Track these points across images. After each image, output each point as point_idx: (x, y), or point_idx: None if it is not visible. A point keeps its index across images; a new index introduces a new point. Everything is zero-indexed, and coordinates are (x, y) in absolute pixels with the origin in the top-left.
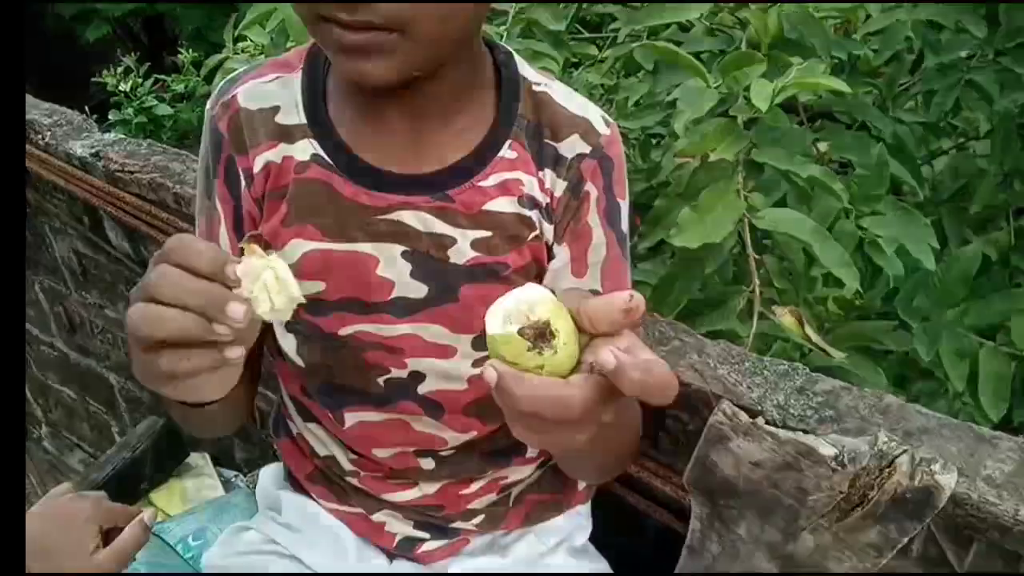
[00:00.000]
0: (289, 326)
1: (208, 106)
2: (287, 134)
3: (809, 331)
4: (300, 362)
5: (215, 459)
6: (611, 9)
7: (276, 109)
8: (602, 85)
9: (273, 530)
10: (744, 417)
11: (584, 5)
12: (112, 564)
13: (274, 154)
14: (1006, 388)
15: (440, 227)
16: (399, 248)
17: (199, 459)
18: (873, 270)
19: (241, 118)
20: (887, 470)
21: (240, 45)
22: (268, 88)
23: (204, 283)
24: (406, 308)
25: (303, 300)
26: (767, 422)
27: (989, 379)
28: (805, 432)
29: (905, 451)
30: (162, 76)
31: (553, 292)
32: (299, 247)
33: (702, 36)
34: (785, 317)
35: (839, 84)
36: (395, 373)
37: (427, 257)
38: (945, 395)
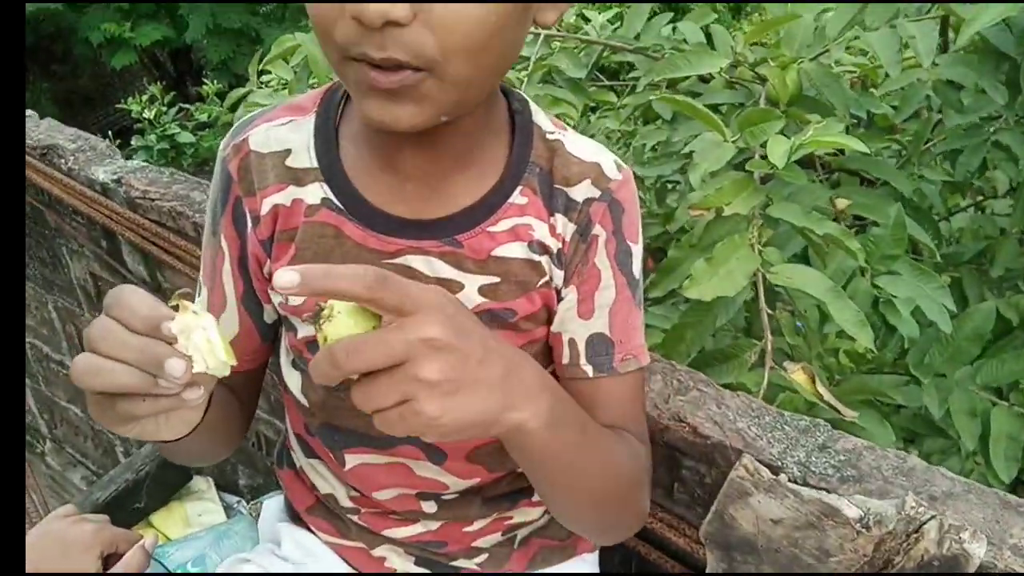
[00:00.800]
0: (295, 363)
1: (221, 146)
2: (297, 177)
3: (821, 389)
4: (304, 400)
5: (218, 484)
6: (630, 58)
7: (287, 152)
8: (619, 131)
9: (272, 563)
10: (766, 473)
11: (604, 53)
12: None
13: (283, 196)
14: (1018, 449)
15: (448, 272)
16: None
17: (202, 483)
18: (887, 328)
19: (251, 161)
20: (914, 535)
21: (264, 79)
22: (280, 132)
23: (142, 339)
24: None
25: (234, 363)
26: (788, 479)
27: (1000, 439)
28: (827, 491)
29: (934, 517)
30: (186, 105)
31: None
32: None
33: (721, 89)
34: (797, 374)
35: (856, 143)
36: None
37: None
38: (957, 453)
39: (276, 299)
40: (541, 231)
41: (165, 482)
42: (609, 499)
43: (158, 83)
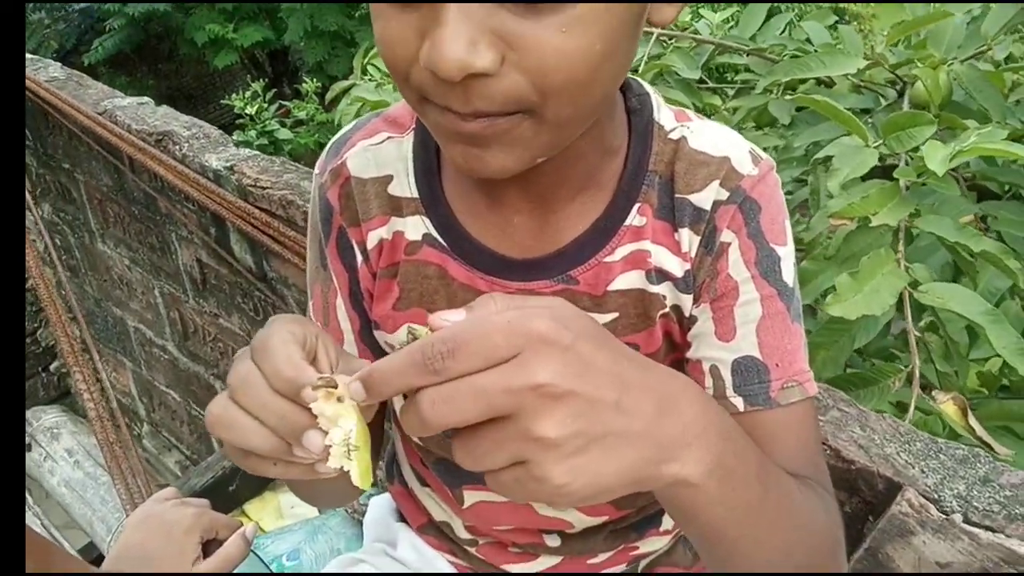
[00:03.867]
0: (406, 396)
1: (317, 171)
2: (398, 207)
3: (973, 423)
4: (417, 439)
5: None
6: (739, 60)
7: (388, 179)
8: None
9: (386, 565)
10: (935, 511)
11: (715, 54)
12: None
13: (385, 230)
14: None
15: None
16: None
17: None
18: None
19: (352, 188)
20: None
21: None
22: (379, 152)
23: (283, 404)
24: None
25: (367, 488)
26: (962, 519)
27: None
28: (992, 530)
29: None
30: (285, 102)
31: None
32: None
33: (847, 92)
34: (947, 404)
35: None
36: None
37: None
38: None
39: (381, 338)
40: (660, 256)
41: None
42: (802, 567)
43: (260, 81)
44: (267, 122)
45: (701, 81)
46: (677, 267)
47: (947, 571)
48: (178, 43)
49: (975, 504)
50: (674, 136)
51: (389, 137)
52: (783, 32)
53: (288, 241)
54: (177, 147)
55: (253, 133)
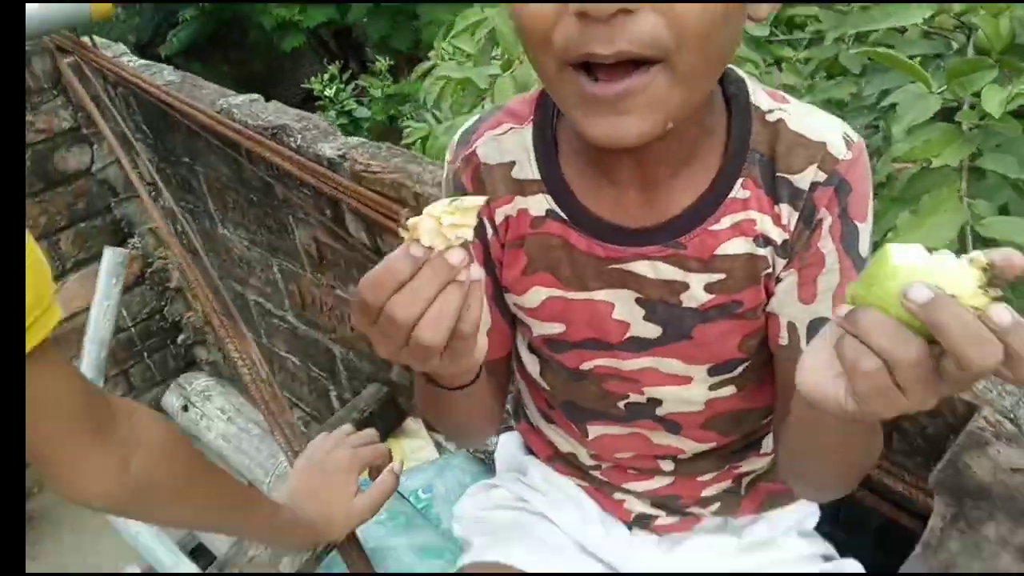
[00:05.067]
0: (531, 349)
1: (449, 158)
2: (522, 188)
3: None
4: (543, 384)
5: (426, 424)
6: (812, 11)
7: (512, 164)
8: (801, 85)
9: (520, 489)
10: (1009, 425)
11: (784, 6)
12: (368, 510)
13: (511, 208)
14: None
15: (672, 273)
16: (633, 295)
17: (414, 423)
18: None
19: (482, 172)
20: None
21: (442, 51)
22: (503, 141)
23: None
24: (641, 346)
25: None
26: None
27: None
28: None
29: None
30: (361, 82)
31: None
32: (539, 294)
33: (918, 39)
34: None
35: None
36: (634, 398)
37: (659, 302)
38: None
39: (510, 300)
40: (764, 224)
41: (386, 421)
42: (852, 478)
43: (334, 63)
44: (346, 102)
45: (771, 34)
46: (777, 236)
47: (1020, 474)
48: (247, 29)
49: None
50: (771, 118)
51: (512, 128)
52: None
53: (400, 218)
54: (291, 139)
55: (332, 114)
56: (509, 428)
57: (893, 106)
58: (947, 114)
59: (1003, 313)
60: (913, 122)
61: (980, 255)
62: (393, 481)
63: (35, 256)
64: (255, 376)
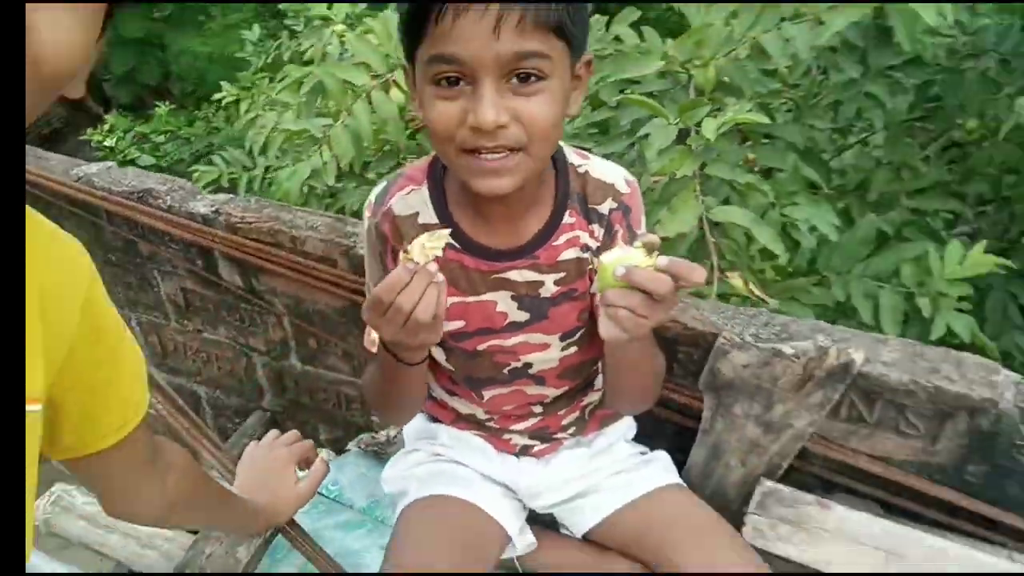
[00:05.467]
0: (440, 345)
1: (368, 213)
2: (426, 230)
3: (752, 288)
4: (448, 366)
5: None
6: None
7: (417, 214)
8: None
9: (433, 448)
10: (738, 339)
11: None
12: (309, 493)
13: None
14: (900, 315)
15: (532, 276)
16: (509, 293)
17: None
18: (795, 244)
19: (397, 222)
20: (823, 356)
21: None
22: (408, 199)
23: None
24: (517, 327)
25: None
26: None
27: (887, 311)
28: (767, 342)
29: (835, 343)
30: (141, 129)
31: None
32: (448, 301)
33: (655, 79)
34: (735, 280)
35: (760, 118)
36: (513, 365)
37: (526, 296)
38: (859, 327)
39: None
40: (584, 237)
41: None
42: (651, 390)
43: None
44: (127, 151)
45: None
46: (592, 244)
47: (748, 368)
48: None
49: (761, 336)
50: (580, 170)
51: (413, 189)
52: (606, 28)
53: (278, 259)
54: (160, 200)
55: (115, 163)
56: None
57: (646, 135)
58: (682, 137)
59: (662, 260)
60: (660, 147)
61: (639, 241)
62: (324, 468)
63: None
64: (168, 410)
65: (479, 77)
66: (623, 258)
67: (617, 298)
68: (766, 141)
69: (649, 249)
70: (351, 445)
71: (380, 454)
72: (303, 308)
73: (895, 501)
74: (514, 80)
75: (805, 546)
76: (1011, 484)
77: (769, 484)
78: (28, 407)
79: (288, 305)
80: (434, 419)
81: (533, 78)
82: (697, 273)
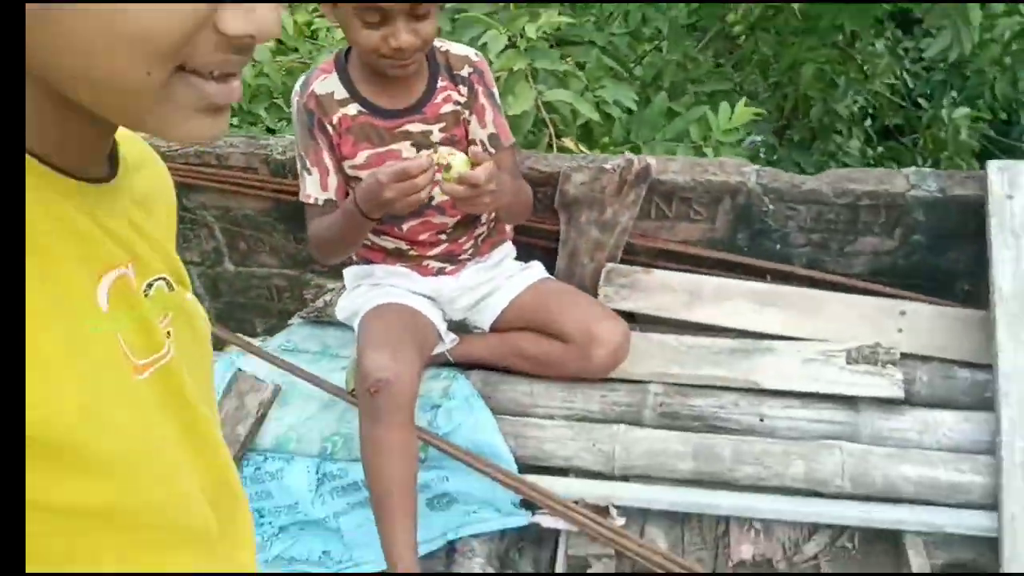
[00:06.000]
0: None
1: (297, 97)
2: (342, 103)
3: (581, 147)
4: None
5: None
6: None
7: (333, 92)
8: None
9: (371, 280)
10: (574, 164)
11: None
12: None
13: (338, 115)
14: None
15: (423, 127)
16: (408, 142)
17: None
18: (609, 119)
19: (320, 100)
20: (631, 165)
21: None
22: (325, 83)
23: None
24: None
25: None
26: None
27: None
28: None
29: (638, 157)
30: None
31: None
32: (363, 153)
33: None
34: (568, 143)
35: (567, 20)
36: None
37: (422, 142)
38: None
39: (346, 165)
40: (455, 95)
41: None
42: (526, 210)
43: None
44: None
45: None
46: (462, 99)
47: (584, 185)
48: None
49: (589, 166)
50: (442, 50)
51: (326, 76)
52: None
53: (207, 175)
54: None
55: None
56: (344, 265)
57: (484, 44)
58: (513, 43)
59: (480, 155)
60: (497, 51)
61: (471, 154)
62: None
63: None
64: None
65: (395, 15)
66: (458, 165)
67: (449, 189)
68: (576, 42)
69: (476, 160)
70: (295, 317)
71: (319, 318)
72: (232, 215)
73: (695, 268)
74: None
75: (638, 300)
76: (766, 240)
77: (611, 264)
78: (189, 295)
79: (218, 215)
80: (368, 261)
81: (423, 9)
82: (483, 172)
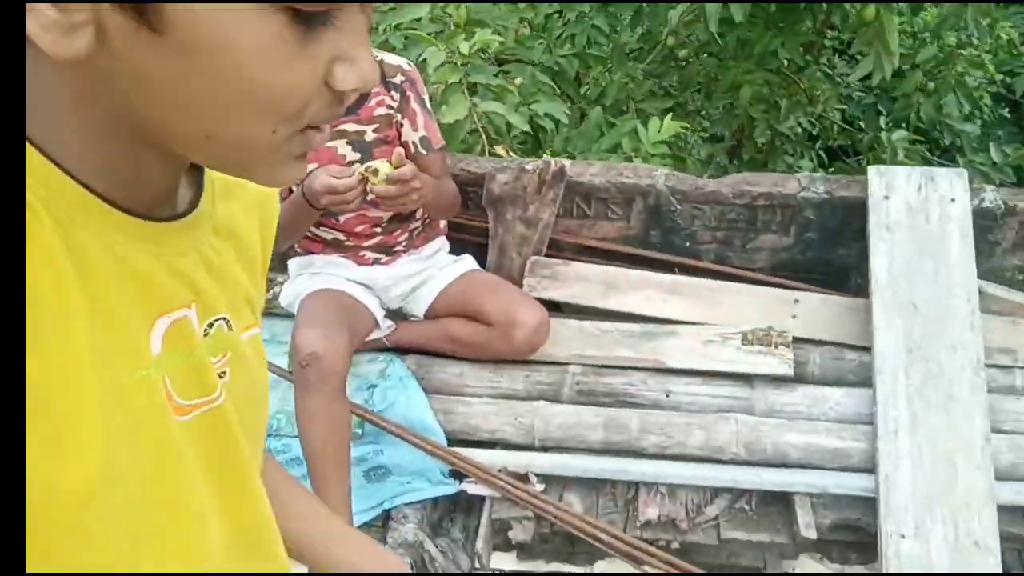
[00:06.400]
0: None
1: None
2: None
3: (512, 153)
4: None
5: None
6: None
7: None
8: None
9: (311, 270)
10: (504, 166)
11: None
12: None
13: None
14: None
15: (357, 127)
16: (344, 140)
17: None
18: (540, 128)
19: None
20: (548, 166)
21: None
22: None
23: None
24: (353, 164)
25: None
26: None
27: None
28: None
29: (555, 159)
30: None
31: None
32: None
33: (427, 24)
34: (501, 149)
35: (496, 40)
36: None
37: (356, 140)
38: None
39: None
40: (388, 100)
41: None
42: (452, 206)
43: None
44: None
45: None
46: (394, 104)
47: (507, 184)
48: None
49: (514, 167)
50: (377, 59)
51: None
52: None
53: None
54: None
55: None
56: (287, 257)
57: (425, 60)
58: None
59: (401, 169)
60: (435, 65)
61: (394, 158)
62: None
63: None
64: None
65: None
66: (385, 169)
67: (381, 191)
68: (511, 61)
69: (398, 163)
70: None
71: (267, 310)
72: None
73: (614, 262)
74: None
75: (559, 290)
76: (676, 238)
77: (535, 257)
78: (248, 333)
79: None
80: (309, 252)
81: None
82: (409, 170)
